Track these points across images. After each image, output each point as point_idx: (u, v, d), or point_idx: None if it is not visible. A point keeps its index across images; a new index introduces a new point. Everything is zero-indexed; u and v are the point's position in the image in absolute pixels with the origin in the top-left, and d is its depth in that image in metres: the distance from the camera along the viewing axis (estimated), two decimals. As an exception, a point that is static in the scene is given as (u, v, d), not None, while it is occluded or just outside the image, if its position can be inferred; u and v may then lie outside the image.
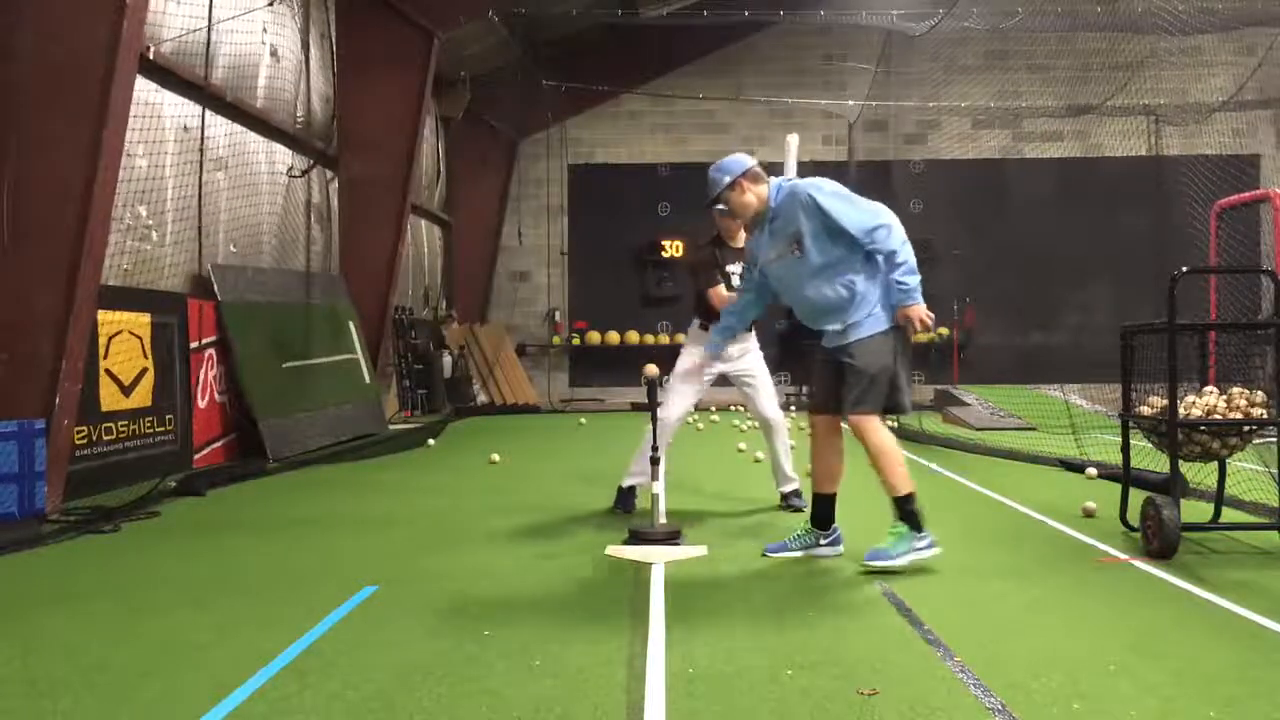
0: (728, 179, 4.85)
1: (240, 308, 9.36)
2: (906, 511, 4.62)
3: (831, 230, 4.61)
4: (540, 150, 18.40)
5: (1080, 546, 5.20)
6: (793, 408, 16.59)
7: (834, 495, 4.94)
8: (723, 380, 6.49)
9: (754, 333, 6.41)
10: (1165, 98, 13.78)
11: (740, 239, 6.32)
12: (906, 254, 4.58)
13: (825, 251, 4.64)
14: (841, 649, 3.43)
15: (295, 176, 10.73)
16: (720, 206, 4.95)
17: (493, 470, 8.80)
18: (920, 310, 4.57)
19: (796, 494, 6.44)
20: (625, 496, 6.39)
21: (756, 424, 7.12)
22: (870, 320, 4.63)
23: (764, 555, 4.97)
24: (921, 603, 4.02)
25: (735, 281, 6.27)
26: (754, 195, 4.84)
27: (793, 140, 6.22)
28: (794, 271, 4.75)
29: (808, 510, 5.15)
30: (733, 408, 14.72)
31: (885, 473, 4.64)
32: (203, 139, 8.85)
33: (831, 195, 4.64)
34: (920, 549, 4.61)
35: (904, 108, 17.16)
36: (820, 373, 4.86)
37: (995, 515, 6.20)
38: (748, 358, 6.40)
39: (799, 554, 4.95)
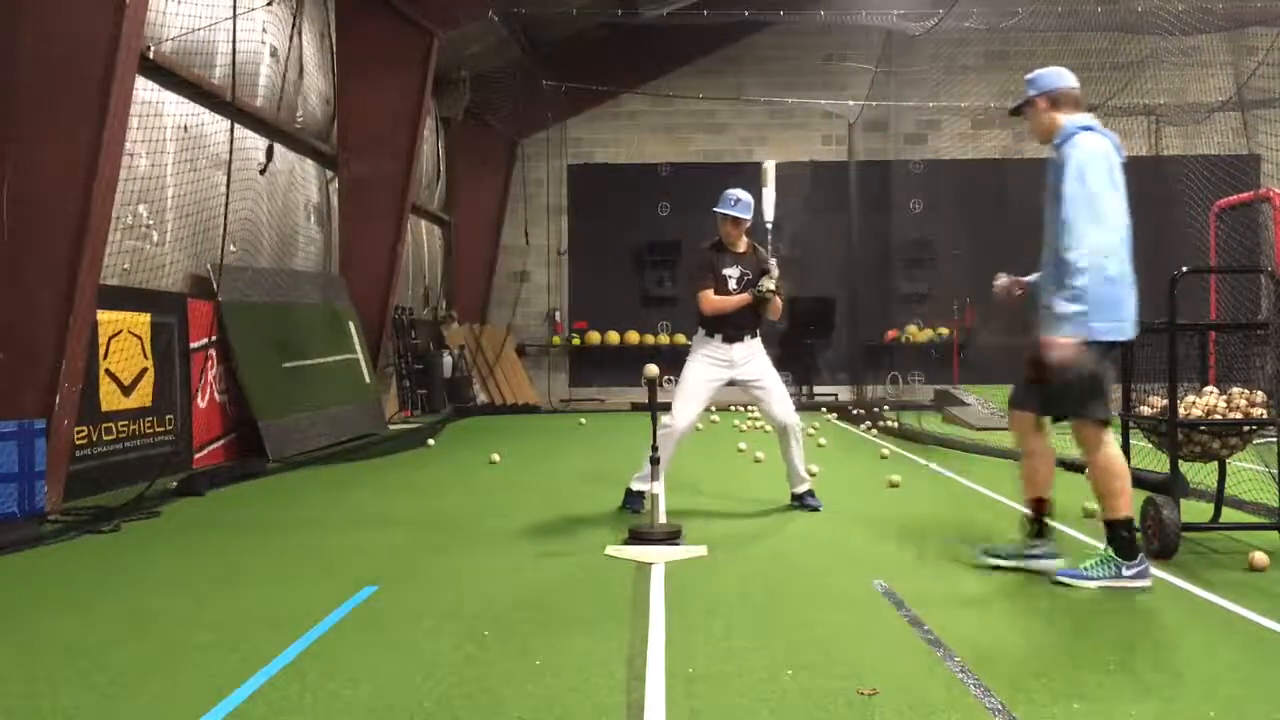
0: (1032, 92, 4.53)
1: (240, 308, 9.35)
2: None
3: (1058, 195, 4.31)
4: (540, 150, 18.40)
5: (1080, 546, 5.20)
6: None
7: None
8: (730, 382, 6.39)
9: (759, 339, 6.32)
10: (1165, 98, 13.76)
11: (741, 245, 6.27)
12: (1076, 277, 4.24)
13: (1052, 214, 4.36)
14: (841, 649, 3.43)
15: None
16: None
17: (493, 470, 8.79)
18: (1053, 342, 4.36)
19: (811, 494, 6.41)
20: (634, 497, 6.30)
21: (766, 426, 7.06)
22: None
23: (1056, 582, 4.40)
24: (921, 603, 4.02)
25: (732, 286, 6.21)
26: (1048, 119, 4.51)
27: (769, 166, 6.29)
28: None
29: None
30: (733, 408, 14.71)
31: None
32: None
33: (1078, 161, 4.25)
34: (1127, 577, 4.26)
35: (904, 108, 17.14)
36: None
37: (995, 515, 6.19)
38: (754, 363, 6.24)
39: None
